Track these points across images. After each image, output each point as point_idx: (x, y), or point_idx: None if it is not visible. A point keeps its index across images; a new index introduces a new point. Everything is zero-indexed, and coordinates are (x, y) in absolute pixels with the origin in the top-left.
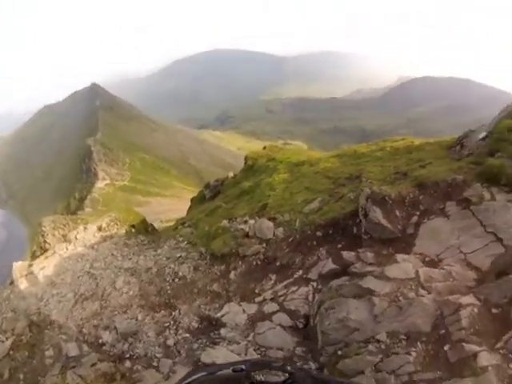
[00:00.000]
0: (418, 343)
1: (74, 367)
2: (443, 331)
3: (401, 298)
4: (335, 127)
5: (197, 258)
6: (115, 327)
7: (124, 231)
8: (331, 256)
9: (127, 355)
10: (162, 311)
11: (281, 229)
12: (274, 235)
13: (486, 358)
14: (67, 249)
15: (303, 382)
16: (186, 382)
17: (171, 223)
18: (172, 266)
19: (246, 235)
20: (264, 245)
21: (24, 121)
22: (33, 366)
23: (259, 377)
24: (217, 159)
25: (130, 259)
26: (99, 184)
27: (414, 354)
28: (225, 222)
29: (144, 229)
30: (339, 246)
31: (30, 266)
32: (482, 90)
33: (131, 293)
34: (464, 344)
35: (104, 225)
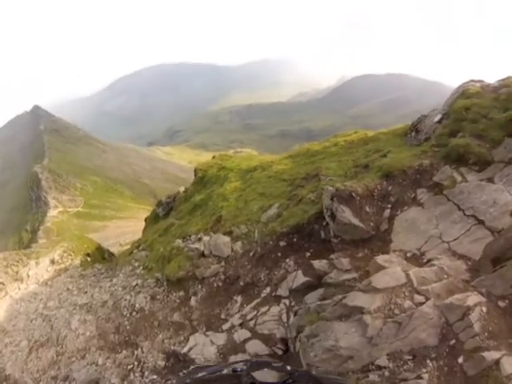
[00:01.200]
0: (428, 361)
1: None
2: (453, 341)
3: (396, 310)
4: (283, 131)
5: (153, 286)
6: (74, 378)
7: (79, 261)
8: (300, 267)
9: None
10: (124, 351)
11: (239, 243)
12: (232, 251)
13: (510, 364)
14: (19, 288)
15: (303, 381)
16: (186, 381)
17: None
18: (128, 297)
19: (202, 254)
20: (223, 263)
21: None
22: None
23: (259, 377)
24: (169, 175)
25: (86, 293)
26: (52, 213)
27: (425, 376)
28: (178, 242)
29: (100, 256)
30: (308, 254)
31: None
32: (417, 83)
33: (88, 333)
34: (481, 352)
35: (57, 257)
